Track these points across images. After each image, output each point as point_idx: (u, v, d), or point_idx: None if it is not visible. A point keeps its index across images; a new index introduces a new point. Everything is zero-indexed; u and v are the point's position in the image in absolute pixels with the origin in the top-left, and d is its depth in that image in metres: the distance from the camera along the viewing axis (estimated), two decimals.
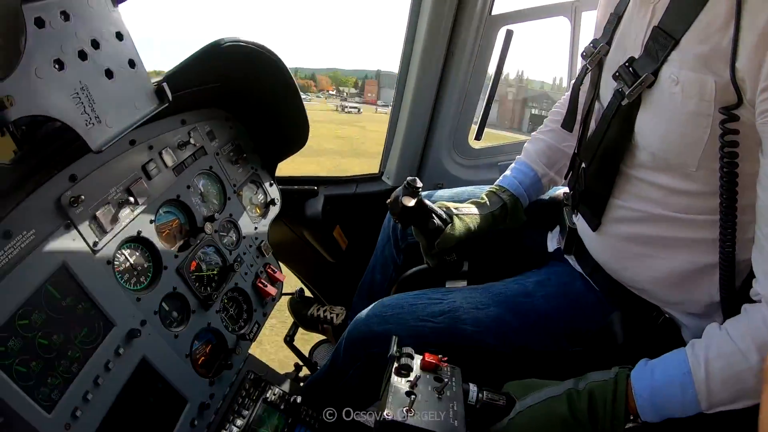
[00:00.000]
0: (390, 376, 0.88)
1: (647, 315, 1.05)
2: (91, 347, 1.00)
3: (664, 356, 0.86)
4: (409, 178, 1.18)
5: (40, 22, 0.79)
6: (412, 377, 0.88)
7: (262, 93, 1.46)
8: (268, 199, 1.65)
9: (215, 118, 1.47)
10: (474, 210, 1.30)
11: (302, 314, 1.94)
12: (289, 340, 1.95)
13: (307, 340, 2.07)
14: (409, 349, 0.92)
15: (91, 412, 0.97)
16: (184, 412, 1.17)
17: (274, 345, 3.76)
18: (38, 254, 0.93)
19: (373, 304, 1.31)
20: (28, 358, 0.90)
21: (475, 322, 1.16)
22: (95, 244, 1.04)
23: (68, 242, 0.99)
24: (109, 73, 0.91)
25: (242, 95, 1.47)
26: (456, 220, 1.25)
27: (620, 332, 1.04)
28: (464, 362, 0.97)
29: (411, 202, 1.17)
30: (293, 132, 1.61)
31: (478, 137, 2.09)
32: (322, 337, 2.02)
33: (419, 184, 1.18)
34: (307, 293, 2.21)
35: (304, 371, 1.84)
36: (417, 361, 0.90)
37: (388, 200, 1.24)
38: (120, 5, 0.92)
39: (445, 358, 0.93)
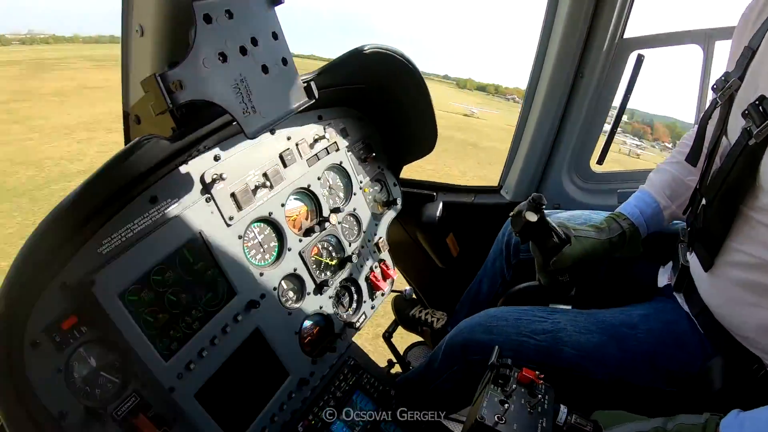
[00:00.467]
0: (487, 384, 0.94)
1: (748, 365, 0.99)
2: (213, 310, 1.11)
3: (758, 410, 0.81)
4: (534, 194, 1.21)
5: (207, 18, 0.86)
6: (508, 388, 0.92)
7: (396, 97, 1.53)
8: (391, 199, 1.72)
9: (349, 116, 1.56)
10: (592, 234, 1.29)
11: (404, 313, 2.02)
12: (387, 336, 2.04)
13: (403, 339, 2.15)
14: (508, 361, 0.97)
15: (203, 367, 1.08)
16: (285, 384, 1.26)
17: (366, 338, 3.98)
18: (179, 221, 1.05)
19: (479, 313, 1.36)
20: (157, 310, 1.02)
21: (575, 345, 1.17)
22: (230, 218, 1.15)
23: (206, 214, 1.11)
24: (265, 69, 0.97)
25: (377, 98, 1.55)
26: (574, 241, 1.26)
27: (718, 379, 1.00)
28: (558, 383, 0.99)
29: (534, 218, 1.20)
30: (422, 137, 1.67)
31: (600, 161, 2.03)
32: (417, 338, 2.09)
33: (544, 201, 1.20)
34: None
35: (396, 368, 1.93)
36: (515, 374, 0.95)
37: (512, 212, 1.27)
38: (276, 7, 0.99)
39: (542, 376, 0.96)
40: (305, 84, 1.08)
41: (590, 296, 1.39)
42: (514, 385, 0.94)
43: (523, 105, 2.06)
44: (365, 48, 1.25)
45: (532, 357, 1.18)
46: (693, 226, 1.12)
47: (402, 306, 2.07)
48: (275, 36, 0.99)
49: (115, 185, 0.93)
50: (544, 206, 1.21)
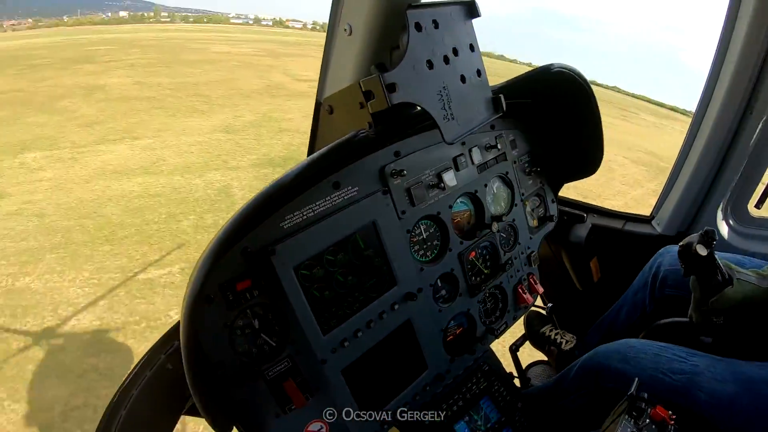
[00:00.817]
0: (622, 414, 1.03)
1: None
2: (374, 295, 1.15)
3: None
4: (707, 227, 1.20)
5: (418, 27, 0.91)
6: (640, 422, 1.00)
7: (566, 116, 1.55)
8: (548, 215, 1.73)
9: (518, 129, 1.59)
10: (753, 279, 1.26)
11: (535, 330, 2.08)
12: (514, 349, 2.08)
13: (528, 354, 2.17)
14: (645, 395, 1.03)
15: (355, 347, 1.12)
16: (422, 376, 1.30)
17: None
18: (356, 208, 1.08)
19: (618, 341, 1.40)
20: (324, 287, 1.06)
21: (711, 393, 1.17)
22: (403, 213, 1.19)
23: (382, 206, 1.14)
24: (462, 79, 1.02)
25: (545, 114, 1.57)
26: (736, 283, 1.23)
27: None
28: (689, 427, 1.03)
29: (704, 252, 1.19)
30: (587, 158, 1.66)
31: (758, 205, 1.90)
32: (540, 356, 2.12)
33: (716, 237, 1.19)
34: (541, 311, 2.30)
35: (516, 382, 1.91)
36: (649, 410, 1.03)
37: (681, 243, 1.25)
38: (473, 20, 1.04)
39: (674, 417, 1.01)
40: (495, 96, 1.13)
41: (734, 342, 1.34)
42: (647, 420, 1.00)
43: (686, 136, 1.95)
44: (553, 67, 1.29)
45: (664, 395, 1.20)
46: None
47: (534, 322, 2.12)
48: (471, 48, 1.03)
49: (316, 168, 0.99)
50: (715, 242, 1.19)
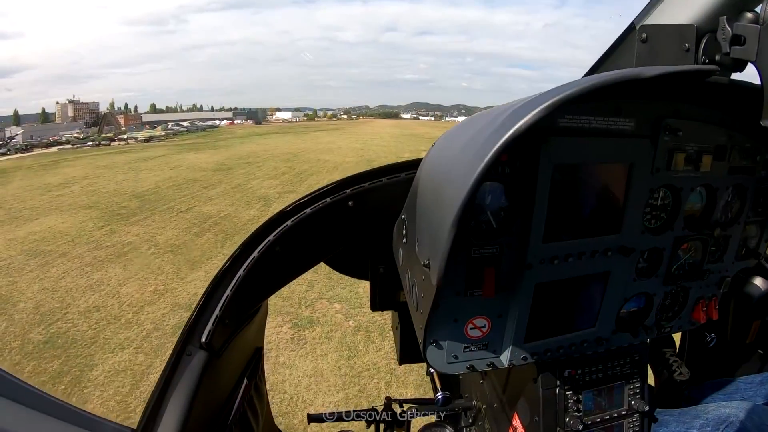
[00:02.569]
0: None
1: None
2: (597, 231, 1.14)
3: None
4: None
5: None
6: None
7: None
8: (757, 250, 1.59)
9: None
10: None
11: (658, 345, 2.05)
12: None
13: None
14: None
15: (557, 269, 1.12)
16: (587, 330, 1.28)
17: None
18: (623, 142, 1.07)
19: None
20: (564, 199, 1.07)
21: None
22: (657, 170, 1.15)
23: (644, 153, 1.11)
24: None
25: None
26: None
27: None
28: None
29: None
30: None
31: None
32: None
33: None
34: None
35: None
36: None
37: None
38: None
39: None
40: None
41: None
42: None
43: None
44: None
45: None
46: None
47: (661, 338, 2.04)
48: None
49: (623, 82, 0.87)
50: None
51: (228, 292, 1.34)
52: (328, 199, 1.47)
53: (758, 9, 0.91)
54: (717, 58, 0.94)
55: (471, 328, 1.15)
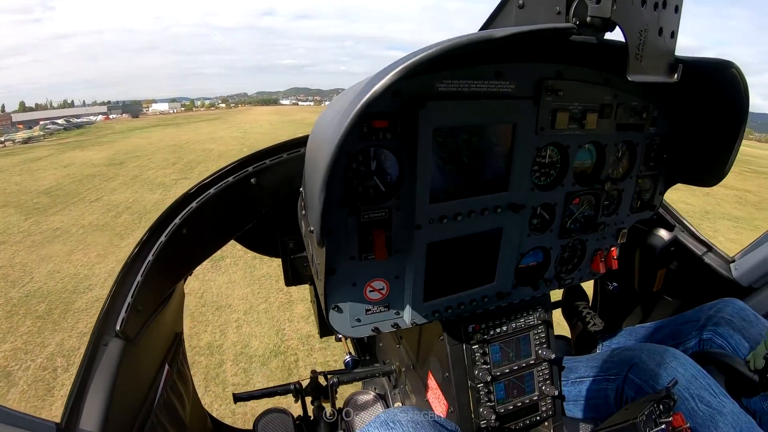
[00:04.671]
0: (650, 403, 1.10)
1: None
2: (484, 190, 1.18)
3: None
4: None
5: None
6: (662, 418, 1.07)
7: (714, 119, 1.42)
8: (651, 202, 1.66)
9: (665, 109, 1.50)
10: None
11: (570, 300, 2.20)
12: None
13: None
14: (676, 398, 1.11)
15: (448, 228, 1.16)
16: (487, 286, 1.32)
17: None
18: (505, 104, 1.12)
19: (665, 347, 1.51)
20: (447, 161, 1.11)
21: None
22: (541, 129, 1.20)
23: (527, 113, 1.16)
24: (659, 31, 0.98)
25: (699, 109, 1.45)
26: None
27: None
28: None
29: None
30: (712, 168, 1.50)
31: None
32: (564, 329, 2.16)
33: None
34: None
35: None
36: (671, 413, 1.08)
37: None
38: None
39: (687, 426, 1.06)
40: (674, 62, 1.07)
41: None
42: (669, 418, 1.06)
43: None
44: (732, 66, 1.16)
45: (685, 414, 1.22)
46: None
47: (573, 293, 2.19)
48: (676, 9, 1.00)
49: (492, 44, 0.87)
50: None
51: (138, 278, 1.31)
52: (230, 179, 1.48)
53: None
54: (588, 19, 0.95)
55: (370, 291, 1.19)
